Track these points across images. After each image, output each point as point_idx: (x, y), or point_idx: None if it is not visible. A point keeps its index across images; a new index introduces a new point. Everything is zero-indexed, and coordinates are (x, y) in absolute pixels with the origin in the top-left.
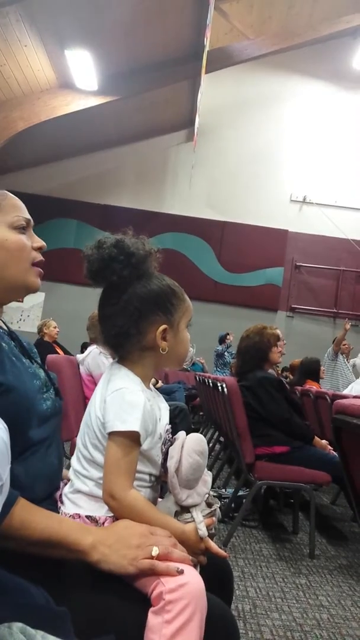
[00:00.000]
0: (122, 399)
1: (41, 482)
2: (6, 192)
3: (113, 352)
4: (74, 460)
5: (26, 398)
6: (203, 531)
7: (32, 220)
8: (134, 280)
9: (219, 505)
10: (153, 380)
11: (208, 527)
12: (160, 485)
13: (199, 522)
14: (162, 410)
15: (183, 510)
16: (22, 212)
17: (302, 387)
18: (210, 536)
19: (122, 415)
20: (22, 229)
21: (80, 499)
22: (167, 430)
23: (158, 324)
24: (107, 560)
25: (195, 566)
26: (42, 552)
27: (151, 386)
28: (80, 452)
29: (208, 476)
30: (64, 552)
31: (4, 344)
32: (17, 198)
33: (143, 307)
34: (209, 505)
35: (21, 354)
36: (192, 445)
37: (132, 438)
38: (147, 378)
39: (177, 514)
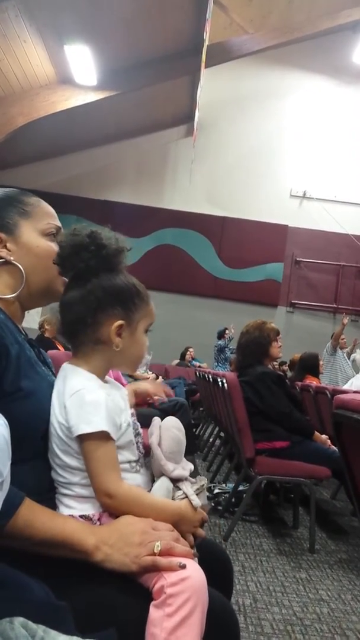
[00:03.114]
0: (82, 400)
1: (46, 485)
2: (39, 199)
3: (67, 341)
4: (52, 472)
5: (42, 404)
6: (196, 501)
7: (62, 228)
8: (101, 272)
9: (205, 482)
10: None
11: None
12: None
13: (191, 494)
14: (124, 398)
15: (175, 487)
16: (54, 220)
17: (302, 382)
18: (204, 508)
19: (86, 417)
20: (52, 236)
21: (69, 501)
22: (132, 414)
23: (115, 318)
24: (110, 559)
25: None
26: (46, 551)
27: (107, 377)
28: (54, 462)
29: (187, 462)
30: (68, 552)
31: (27, 351)
32: (49, 206)
33: (103, 298)
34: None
35: (40, 362)
36: (169, 423)
37: (103, 435)
38: (101, 374)
39: (173, 490)
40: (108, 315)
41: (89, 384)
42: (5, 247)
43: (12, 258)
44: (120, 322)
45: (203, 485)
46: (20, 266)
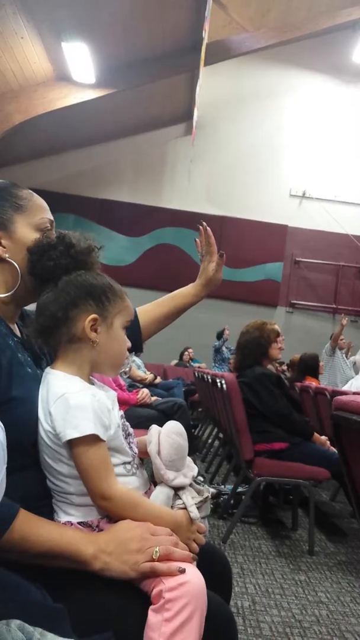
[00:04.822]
0: (67, 404)
1: (39, 494)
2: (32, 192)
3: (44, 344)
4: (46, 480)
5: (33, 411)
6: (194, 513)
7: (54, 221)
8: (72, 271)
9: (210, 494)
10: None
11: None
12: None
13: (190, 505)
14: (112, 398)
15: (175, 495)
16: (47, 214)
17: (302, 383)
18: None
19: (72, 421)
20: (46, 232)
21: (68, 508)
22: (121, 416)
23: (88, 312)
24: (109, 568)
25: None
26: (44, 562)
27: (91, 378)
28: (47, 471)
29: (192, 463)
30: (66, 562)
31: (19, 355)
32: (41, 198)
33: (74, 294)
34: (201, 493)
35: (34, 364)
36: (169, 428)
37: (92, 438)
38: (84, 375)
39: (174, 498)
40: (81, 311)
41: (72, 386)
42: (0, 244)
43: (7, 255)
44: (93, 315)
45: (207, 497)
46: (15, 264)
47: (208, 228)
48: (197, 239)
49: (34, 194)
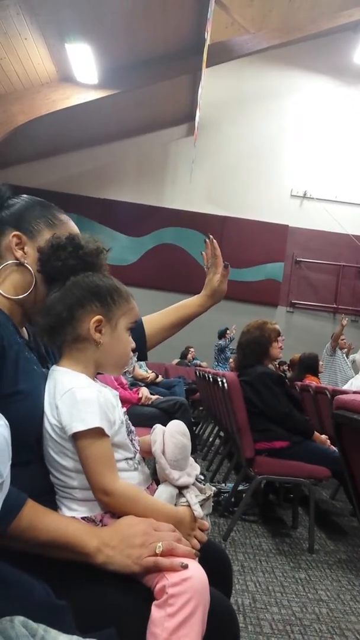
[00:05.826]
0: (74, 398)
1: (42, 488)
2: (69, 218)
3: (50, 343)
4: (50, 475)
5: (38, 406)
6: (198, 511)
7: None
8: (79, 272)
9: (212, 493)
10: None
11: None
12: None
13: (194, 503)
14: (115, 397)
15: (179, 493)
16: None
17: (302, 383)
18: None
19: (78, 415)
20: None
21: (70, 503)
22: (124, 413)
23: (94, 313)
24: (112, 561)
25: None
26: (48, 553)
27: (95, 379)
28: (50, 465)
29: (194, 462)
30: (70, 554)
31: (26, 353)
32: (76, 226)
33: (80, 294)
34: (203, 492)
35: (40, 364)
36: (173, 428)
37: (97, 432)
38: (89, 374)
39: (177, 497)
40: (86, 311)
41: (78, 382)
42: (22, 249)
43: (25, 261)
44: (98, 317)
45: (209, 495)
46: (32, 270)
47: (215, 241)
48: (203, 252)
49: (71, 221)
